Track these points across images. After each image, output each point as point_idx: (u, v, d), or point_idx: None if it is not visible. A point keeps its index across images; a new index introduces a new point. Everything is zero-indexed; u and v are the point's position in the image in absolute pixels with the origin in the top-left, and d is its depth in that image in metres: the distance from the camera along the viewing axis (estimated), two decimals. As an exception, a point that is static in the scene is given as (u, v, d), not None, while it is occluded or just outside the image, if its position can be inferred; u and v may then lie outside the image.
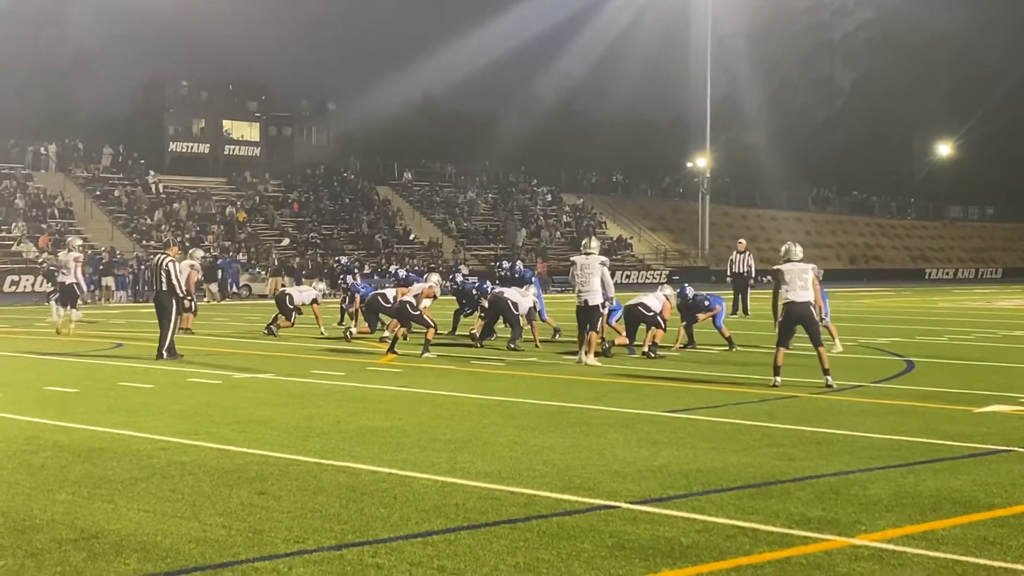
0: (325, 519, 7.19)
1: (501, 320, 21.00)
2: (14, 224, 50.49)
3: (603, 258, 17.34)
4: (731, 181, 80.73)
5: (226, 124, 71.52)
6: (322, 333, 22.85)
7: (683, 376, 15.58)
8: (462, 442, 10.05)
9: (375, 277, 35.72)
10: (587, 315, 16.95)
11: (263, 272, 48.42)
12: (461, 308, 23.33)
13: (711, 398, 13.19)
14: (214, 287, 41.66)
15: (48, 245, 48.07)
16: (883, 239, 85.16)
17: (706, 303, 19.76)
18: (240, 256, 50.32)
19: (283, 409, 12.21)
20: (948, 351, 19.81)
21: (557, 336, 21.24)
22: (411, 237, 61.50)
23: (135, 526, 7.03)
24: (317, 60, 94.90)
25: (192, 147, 70.08)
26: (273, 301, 26.41)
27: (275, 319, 23.33)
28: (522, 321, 20.28)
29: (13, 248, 48.91)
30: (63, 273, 24.33)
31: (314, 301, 23.66)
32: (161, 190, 58.47)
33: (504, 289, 21.16)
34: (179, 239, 49.47)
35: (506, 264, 26.31)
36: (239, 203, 59.69)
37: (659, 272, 62.15)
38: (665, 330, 18.70)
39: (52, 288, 29.12)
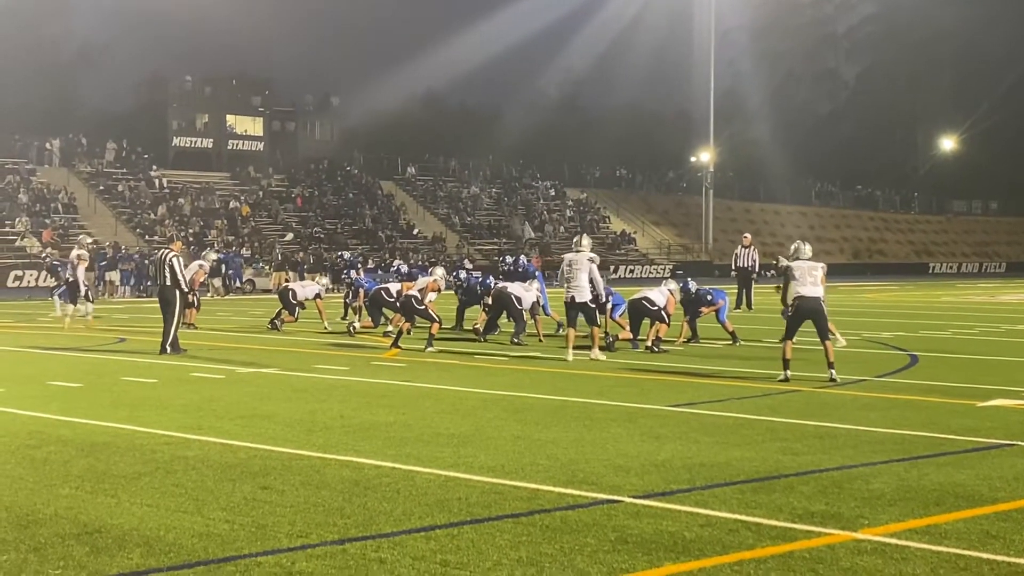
0: (328, 513, 7.19)
1: (504, 315, 21.00)
2: (18, 219, 50.53)
3: (593, 255, 17.38)
4: (735, 175, 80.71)
5: (230, 119, 71.53)
6: (325, 328, 22.86)
7: (686, 370, 15.58)
8: (465, 437, 10.05)
9: (379, 272, 35.68)
10: (578, 311, 16.96)
11: (267, 267, 48.45)
12: (465, 303, 23.34)
13: (714, 392, 13.19)
14: (217, 282, 41.69)
15: (52, 240, 48.15)
16: (887, 233, 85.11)
17: (709, 297, 19.76)
18: (244, 251, 50.35)
19: (286, 404, 12.21)
20: (952, 345, 19.78)
21: (561, 331, 21.23)
22: (415, 232, 61.51)
23: (138, 520, 7.03)
24: (320, 55, 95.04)
25: (196, 142, 70.09)
26: (276, 296, 26.45)
27: (279, 314, 23.34)
28: (525, 316, 20.29)
29: (17, 243, 48.95)
30: (68, 269, 24.72)
31: (317, 296, 23.66)
32: (165, 185, 58.52)
33: (508, 284, 21.16)
34: (183, 234, 49.54)
35: (509, 259, 26.32)
36: (243, 198, 59.73)
37: (662, 267, 62.13)
38: (669, 324, 18.70)
39: (56, 283, 29.24)
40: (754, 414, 11.41)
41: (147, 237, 51.35)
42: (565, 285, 17.13)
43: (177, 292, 18.31)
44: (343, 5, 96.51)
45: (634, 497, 7.65)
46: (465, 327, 22.38)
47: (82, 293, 24.11)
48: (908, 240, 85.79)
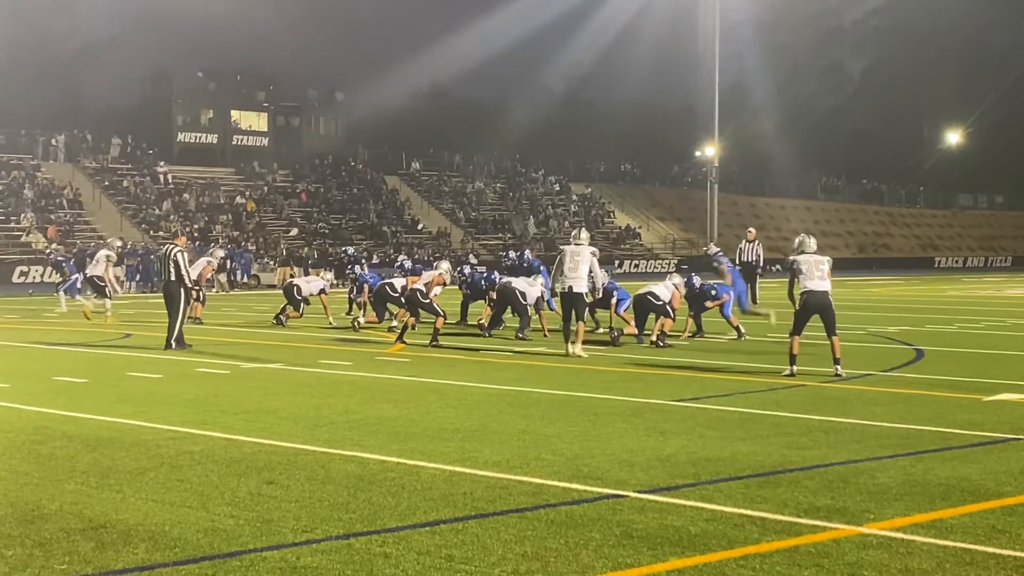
0: (333, 508, 7.19)
1: (509, 310, 20.98)
2: (23, 215, 50.59)
3: (593, 248, 17.37)
4: (740, 170, 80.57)
5: (234, 114, 71.52)
6: (331, 323, 22.86)
7: (691, 365, 15.57)
8: (470, 431, 10.05)
9: (382, 267, 35.77)
10: (572, 301, 16.92)
11: (272, 262, 48.47)
12: (469, 298, 23.36)
13: (719, 387, 13.17)
14: (222, 277, 41.74)
15: (57, 235, 48.21)
16: (892, 227, 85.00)
17: (713, 292, 19.75)
18: (249, 246, 50.39)
19: (291, 399, 12.22)
20: (957, 339, 19.76)
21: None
22: (419, 227, 61.51)
23: (143, 516, 7.04)
24: (325, 50, 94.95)
25: (200, 137, 70.11)
26: (281, 291, 26.45)
27: (283, 309, 23.35)
28: (530, 311, 20.28)
29: (22, 239, 49.00)
30: (92, 264, 25.85)
31: (322, 291, 23.65)
32: (169, 180, 58.52)
33: (512, 279, 21.15)
34: (187, 229, 49.55)
35: (512, 254, 26.29)
36: (247, 193, 59.74)
37: (667, 261, 62.10)
38: (674, 319, 18.69)
39: (61, 279, 29.32)
40: (759, 409, 11.40)
41: (152, 232, 51.38)
42: (563, 275, 17.08)
43: (181, 287, 18.31)
44: (347, 0, 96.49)
45: (639, 492, 7.65)
46: (469, 322, 22.37)
47: (109, 288, 25.00)
48: (914, 234, 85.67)
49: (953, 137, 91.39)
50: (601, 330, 20.67)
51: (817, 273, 14.14)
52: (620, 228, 68.53)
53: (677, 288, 18.90)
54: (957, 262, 79.49)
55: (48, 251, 39.15)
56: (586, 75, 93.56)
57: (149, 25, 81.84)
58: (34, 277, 44.36)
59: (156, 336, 19.34)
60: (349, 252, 32.68)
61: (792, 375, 13.92)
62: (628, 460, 8.72)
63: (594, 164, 77.80)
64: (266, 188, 61.60)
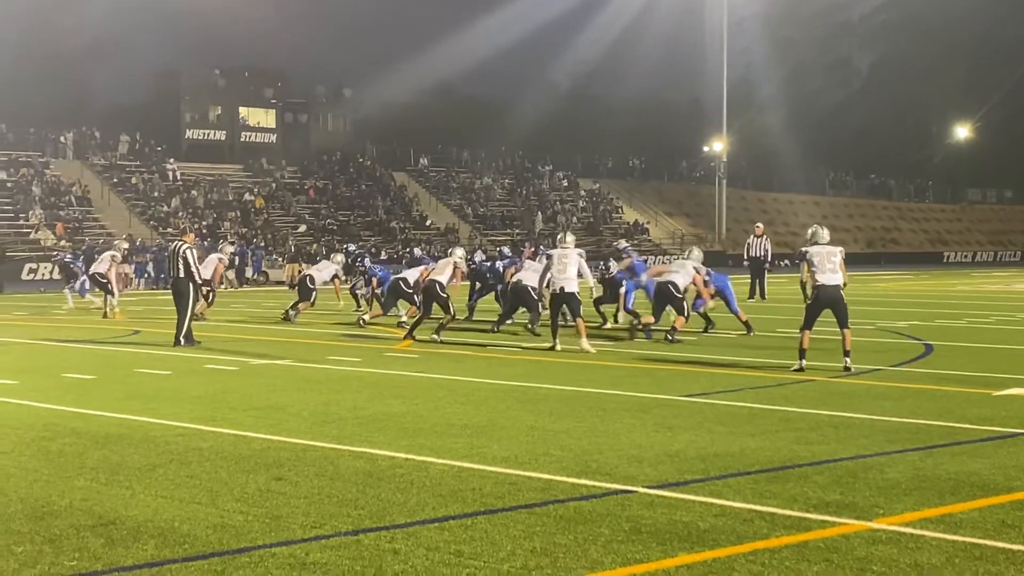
0: (342, 504, 7.20)
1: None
2: (32, 212, 50.68)
3: (580, 250, 17.52)
4: (748, 165, 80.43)
5: (242, 111, 71.55)
6: (339, 306, 22.94)
7: (700, 360, 15.56)
8: (479, 427, 10.05)
9: (390, 263, 35.82)
10: (565, 301, 17.08)
11: (280, 259, 48.53)
12: (479, 291, 23.38)
13: (728, 382, 13.16)
14: (231, 274, 41.79)
15: (65, 232, 48.31)
16: (901, 222, 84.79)
17: (706, 279, 19.55)
18: (259, 243, 50.45)
19: (300, 395, 12.23)
20: (966, 334, 19.71)
21: (606, 325, 21.19)
22: (427, 223, 61.52)
23: (152, 512, 7.05)
24: (333, 46, 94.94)
25: (209, 134, 70.14)
26: (292, 289, 26.56)
27: (294, 305, 23.43)
28: (540, 306, 20.29)
29: (31, 236, 49.10)
30: (98, 262, 26.08)
31: (335, 277, 24.21)
32: (178, 177, 58.60)
33: (523, 276, 21.16)
34: (196, 226, 49.60)
35: (507, 252, 26.62)
36: (256, 190, 59.79)
37: (675, 257, 62.02)
38: (688, 318, 18.66)
39: (68, 280, 29.44)
40: (768, 404, 11.39)
41: (160, 229, 51.45)
42: (553, 278, 17.23)
43: (190, 284, 18.32)
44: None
45: (648, 487, 7.64)
46: (476, 317, 22.38)
47: (111, 287, 25.14)
48: (922, 229, 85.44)
49: (962, 132, 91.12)
50: (608, 325, 20.69)
51: (829, 266, 14.04)
52: (628, 224, 68.48)
53: (697, 271, 18.81)
54: (966, 257, 79.30)
55: (56, 253, 39.34)
56: (593, 71, 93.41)
57: (157, 22, 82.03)
58: (43, 274, 44.42)
59: (165, 332, 19.37)
60: (350, 249, 32.85)
61: (801, 370, 13.89)
62: (637, 456, 8.71)
63: (602, 160, 77.73)
64: (274, 184, 61.66)
